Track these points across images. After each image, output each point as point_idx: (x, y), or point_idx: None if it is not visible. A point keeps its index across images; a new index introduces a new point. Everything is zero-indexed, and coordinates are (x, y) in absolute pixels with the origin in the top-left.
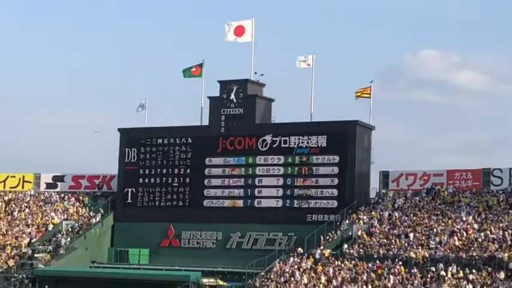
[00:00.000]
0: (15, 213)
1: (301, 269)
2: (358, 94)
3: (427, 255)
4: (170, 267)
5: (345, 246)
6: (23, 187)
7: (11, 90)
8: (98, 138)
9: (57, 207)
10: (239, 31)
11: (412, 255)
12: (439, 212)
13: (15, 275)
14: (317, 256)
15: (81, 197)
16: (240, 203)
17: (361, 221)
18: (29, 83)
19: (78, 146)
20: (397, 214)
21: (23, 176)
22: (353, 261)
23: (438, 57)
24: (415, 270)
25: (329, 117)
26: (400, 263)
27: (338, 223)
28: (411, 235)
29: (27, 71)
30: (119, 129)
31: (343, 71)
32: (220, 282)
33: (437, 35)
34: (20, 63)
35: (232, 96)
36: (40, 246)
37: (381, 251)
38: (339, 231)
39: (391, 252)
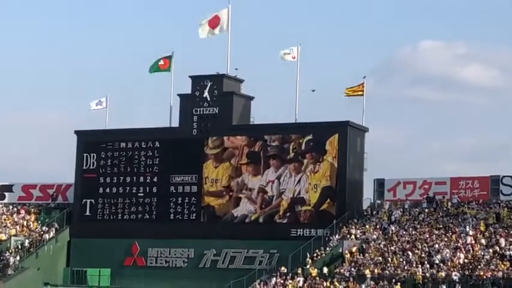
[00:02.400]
0: None
1: None
2: (349, 92)
3: (428, 275)
4: None
5: (335, 264)
6: None
7: None
8: (51, 142)
9: (4, 221)
10: (214, 22)
11: (411, 275)
12: (441, 226)
13: None
14: (303, 276)
15: (32, 210)
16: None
17: (353, 236)
18: None
19: (28, 152)
20: (393, 228)
21: None
22: (344, 282)
23: (441, 49)
24: None
25: (316, 117)
26: (398, 284)
27: (327, 238)
28: (410, 252)
29: None
30: (76, 132)
31: (333, 65)
32: None
33: (440, 23)
34: None
35: (206, 94)
36: None
37: (376, 271)
38: (328, 248)
39: (387, 272)
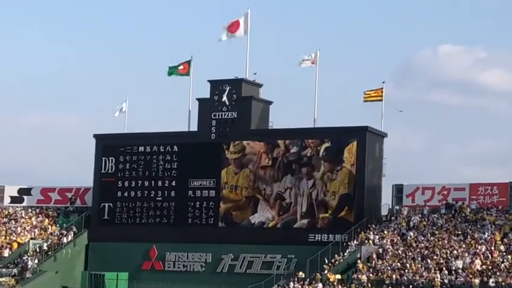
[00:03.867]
0: None
1: None
2: (368, 97)
3: (446, 281)
4: None
5: (353, 270)
6: None
7: None
8: (70, 145)
9: (23, 224)
10: (234, 27)
11: (430, 281)
12: (460, 232)
13: None
14: (321, 282)
15: (50, 213)
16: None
17: (371, 242)
18: None
19: (47, 155)
20: (412, 234)
21: None
22: None
23: (460, 54)
24: None
25: (335, 122)
26: None
27: (345, 244)
28: (428, 258)
29: None
30: (95, 136)
31: (351, 70)
32: None
33: (459, 27)
34: None
35: (225, 98)
36: (3, 269)
37: (394, 276)
38: (346, 253)
39: (405, 278)
